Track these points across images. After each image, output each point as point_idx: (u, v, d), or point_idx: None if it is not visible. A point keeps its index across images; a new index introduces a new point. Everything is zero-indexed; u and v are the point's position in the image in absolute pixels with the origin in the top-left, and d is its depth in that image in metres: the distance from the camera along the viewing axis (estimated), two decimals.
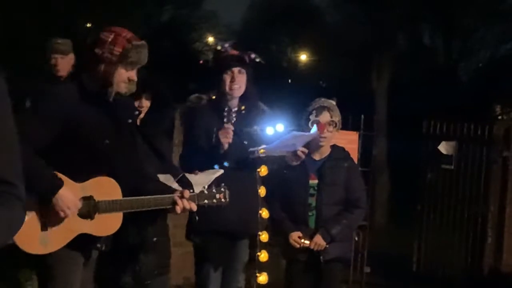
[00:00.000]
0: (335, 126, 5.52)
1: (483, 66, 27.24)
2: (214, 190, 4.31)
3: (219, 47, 5.05)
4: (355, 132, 8.24)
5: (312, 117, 5.44)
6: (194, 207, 4.17)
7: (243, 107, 5.04)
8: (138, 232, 4.41)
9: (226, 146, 4.79)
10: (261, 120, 5.08)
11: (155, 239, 4.53)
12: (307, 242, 5.41)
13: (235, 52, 5.02)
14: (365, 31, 16.56)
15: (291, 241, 5.44)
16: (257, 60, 5.09)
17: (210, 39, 32.53)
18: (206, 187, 4.31)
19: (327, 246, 5.39)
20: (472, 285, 9.23)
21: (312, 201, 5.46)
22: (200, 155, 4.80)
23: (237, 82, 4.96)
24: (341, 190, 5.47)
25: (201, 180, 4.44)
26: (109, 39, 3.93)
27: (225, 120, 4.83)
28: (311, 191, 5.46)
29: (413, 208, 10.15)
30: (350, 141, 8.06)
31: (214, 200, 4.31)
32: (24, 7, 18.00)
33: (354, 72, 18.90)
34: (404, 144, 12.43)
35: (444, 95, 21.41)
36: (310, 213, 5.46)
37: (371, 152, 8.96)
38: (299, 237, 5.43)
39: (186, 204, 4.12)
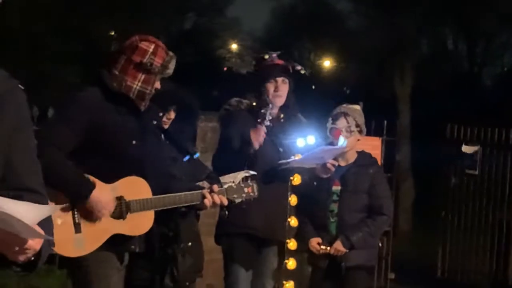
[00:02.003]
0: (357, 131, 5.46)
1: (507, 70, 27.07)
2: (242, 185, 4.32)
3: (266, 56, 5.08)
4: (377, 138, 8.23)
5: (329, 124, 5.45)
6: (225, 201, 4.19)
7: (282, 116, 5.08)
8: (172, 234, 4.42)
9: (257, 146, 4.81)
10: (298, 131, 5.10)
11: (190, 243, 4.54)
12: (327, 248, 5.39)
13: (280, 62, 5.07)
14: (387, 36, 16.50)
15: (311, 247, 5.44)
16: (302, 72, 5.17)
17: (233, 46, 32.60)
18: (235, 182, 4.32)
19: (347, 252, 5.35)
20: None
21: (335, 207, 5.42)
22: (231, 155, 4.82)
23: (280, 91, 5.01)
24: (364, 196, 5.42)
25: (229, 178, 4.45)
26: (150, 49, 3.93)
27: (258, 120, 4.85)
28: (334, 197, 5.43)
29: (437, 214, 10.11)
30: (373, 146, 8.04)
31: (243, 194, 4.31)
32: (44, 16, 18.09)
33: (377, 78, 18.84)
34: (428, 149, 12.38)
35: (467, 99, 21.31)
36: (332, 220, 5.42)
37: (394, 157, 8.93)
38: (318, 243, 5.42)
39: (215, 198, 4.14)
